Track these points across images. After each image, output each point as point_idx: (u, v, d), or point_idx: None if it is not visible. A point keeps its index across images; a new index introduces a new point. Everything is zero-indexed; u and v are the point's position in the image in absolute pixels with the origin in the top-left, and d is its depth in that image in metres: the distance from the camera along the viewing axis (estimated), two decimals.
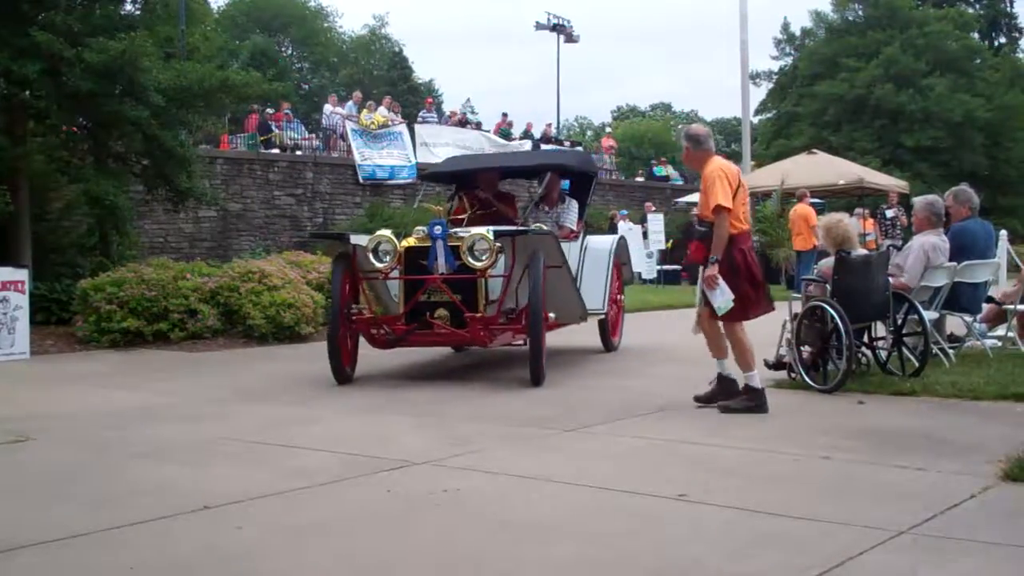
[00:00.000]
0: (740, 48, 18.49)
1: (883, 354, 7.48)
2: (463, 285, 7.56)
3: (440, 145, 23.91)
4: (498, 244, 7.54)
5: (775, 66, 48.65)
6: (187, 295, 10.77)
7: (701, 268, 6.38)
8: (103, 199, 11.50)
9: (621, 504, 4.18)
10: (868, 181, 22.65)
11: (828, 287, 7.05)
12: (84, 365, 9.35)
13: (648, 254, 22.87)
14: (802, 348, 7.15)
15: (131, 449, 5.40)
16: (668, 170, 34.24)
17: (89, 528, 3.86)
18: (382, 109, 24.74)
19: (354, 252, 7.78)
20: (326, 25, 56.76)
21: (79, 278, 11.24)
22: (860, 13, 44.47)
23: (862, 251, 7.70)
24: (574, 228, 9.52)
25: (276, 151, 22.51)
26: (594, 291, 9.21)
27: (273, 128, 22.90)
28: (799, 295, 7.54)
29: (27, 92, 11.10)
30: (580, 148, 31.36)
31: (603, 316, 9.47)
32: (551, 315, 8.00)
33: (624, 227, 21.46)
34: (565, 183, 10.00)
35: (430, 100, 35.71)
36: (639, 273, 22.17)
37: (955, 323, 8.68)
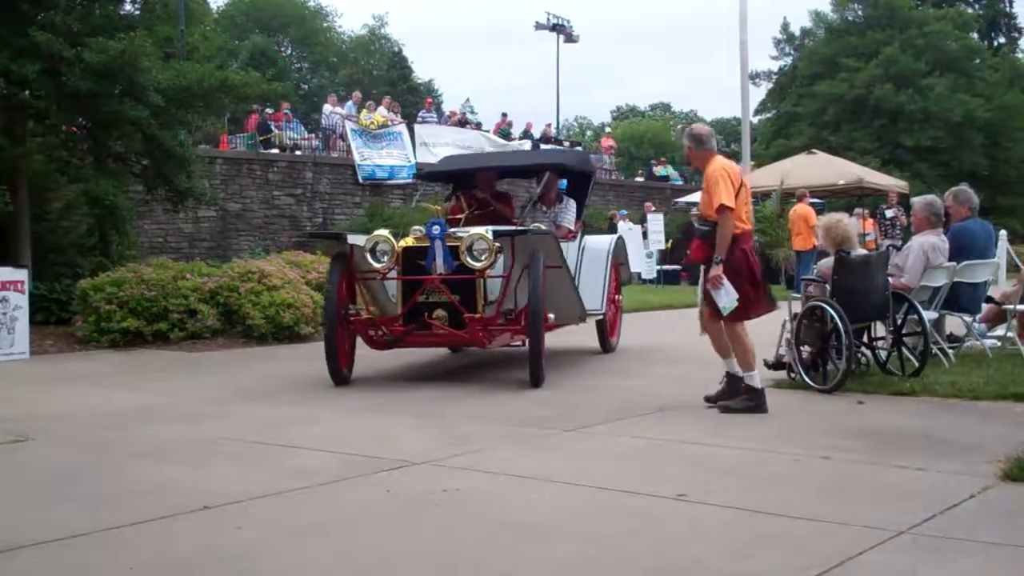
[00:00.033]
0: (740, 48, 18.50)
1: (883, 354, 7.49)
2: (462, 285, 7.52)
3: (440, 145, 23.90)
4: (497, 244, 7.49)
5: (775, 66, 48.74)
6: (187, 295, 10.77)
7: (703, 267, 6.39)
8: (103, 199, 11.49)
9: (621, 504, 4.18)
10: (868, 181, 22.67)
11: (828, 287, 7.05)
12: (84, 365, 9.35)
13: (648, 254, 22.87)
14: (802, 348, 7.15)
15: (131, 449, 5.40)
16: (668, 170, 34.27)
17: (89, 528, 3.86)
18: (381, 109, 24.73)
19: (351, 252, 7.73)
20: (325, 25, 56.77)
21: (79, 278, 11.24)
22: (860, 13, 44.47)
23: (862, 251, 7.70)
24: (572, 228, 9.46)
25: (275, 151, 22.50)
26: (592, 291, 9.17)
27: (272, 128, 22.90)
28: (799, 295, 7.54)
29: (27, 92, 11.09)
30: (580, 148, 31.34)
31: (601, 317, 9.43)
32: (550, 316, 7.93)
33: (624, 227, 21.47)
34: (563, 183, 9.96)
35: (430, 100, 35.70)
36: (638, 273, 22.18)
37: (955, 323, 8.68)
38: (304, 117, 30.67)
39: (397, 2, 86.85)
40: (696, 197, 25.16)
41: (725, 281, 6.08)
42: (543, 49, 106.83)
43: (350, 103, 24.96)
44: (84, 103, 11.24)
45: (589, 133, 62.68)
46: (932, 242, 8.06)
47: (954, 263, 8.11)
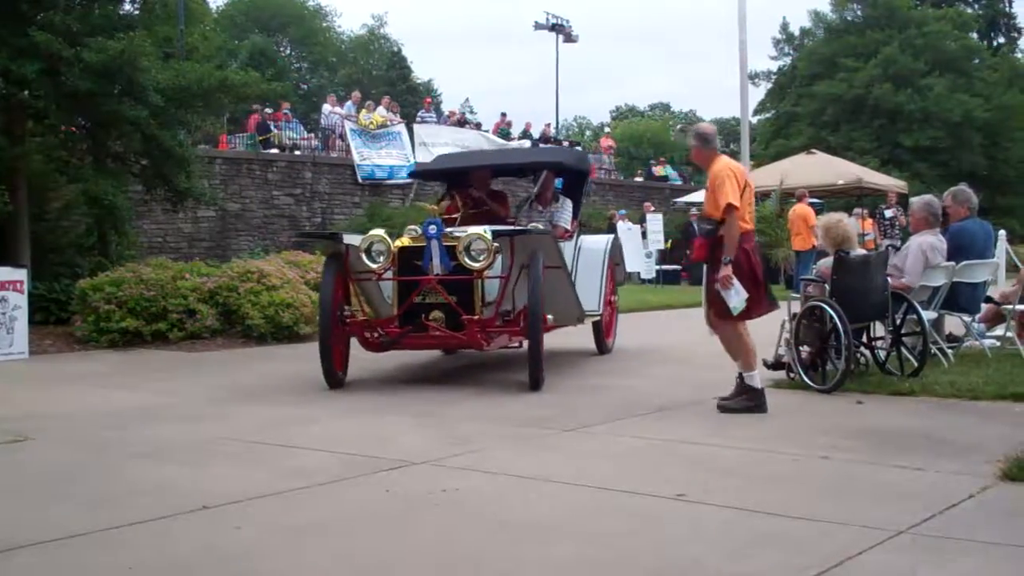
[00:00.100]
0: (739, 48, 18.44)
1: (882, 354, 7.49)
2: (459, 286, 7.36)
3: (439, 145, 23.87)
4: (496, 244, 7.34)
5: (774, 66, 48.72)
6: (186, 295, 10.76)
7: (705, 266, 6.42)
8: (102, 199, 11.49)
9: (620, 504, 4.18)
10: (867, 181, 22.70)
11: (827, 287, 7.05)
12: (83, 365, 9.35)
13: (647, 254, 22.88)
14: (801, 348, 7.15)
15: (130, 449, 5.40)
16: (667, 170, 34.29)
17: (88, 528, 3.85)
18: (381, 109, 24.73)
19: (347, 252, 7.62)
20: (325, 25, 56.79)
21: (78, 278, 11.23)
22: (859, 13, 44.47)
23: (861, 251, 7.70)
24: (568, 228, 9.34)
25: (275, 151, 22.51)
26: (589, 292, 9.05)
27: (272, 128, 22.90)
28: (798, 295, 7.54)
29: (26, 92, 11.08)
30: (579, 148, 31.35)
31: (598, 318, 9.32)
32: (549, 317, 7.78)
33: (623, 227, 21.47)
34: (558, 182, 9.82)
35: (429, 100, 35.72)
36: (638, 273, 22.19)
37: (954, 323, 8.68)
38: (303, 117, 30.68)
39: (396, 2, 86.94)
40: (695, 197, 25.23)
41: (735, 281, 6.10)
42: (542, 49, 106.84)
43: (349, 103, 24.97)
44: (83, 103, 11.23)
45: (588, 133, 62.69)
46: (930, 242, 8.06)
47: (953, 263, 8.11)
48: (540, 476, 4.64)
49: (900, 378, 7.13)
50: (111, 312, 10.37)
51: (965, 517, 3.92)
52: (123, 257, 12.62)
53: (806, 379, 6.99)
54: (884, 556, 3.44)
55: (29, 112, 11.67)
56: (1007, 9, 51.58)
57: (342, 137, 23.60)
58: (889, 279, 7.55)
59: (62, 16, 11.01)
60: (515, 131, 29.69)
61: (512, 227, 8.19)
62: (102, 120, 11.65)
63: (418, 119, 26.89)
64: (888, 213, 21.70)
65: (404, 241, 7.67)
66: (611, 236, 10.45)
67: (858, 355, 7.26)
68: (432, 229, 7.35)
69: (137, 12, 12.58)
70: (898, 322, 7.36)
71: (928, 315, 7.70)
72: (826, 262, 7.43)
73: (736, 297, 6.11)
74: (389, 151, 23.66)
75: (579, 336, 9.76)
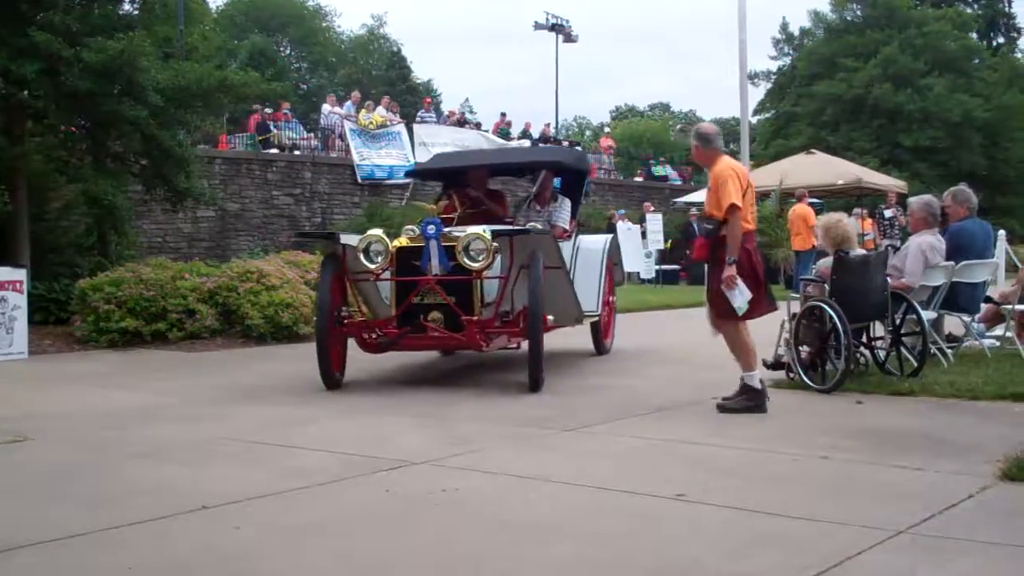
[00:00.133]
0: (739, 48, 18.43)
1: (881, 354, 7.49)
2: (458, 287, 7.29)
3: (438, 145, 23.86)
4: (495, 244, 7.27)
5: (774, 66, 48.70)
6: (185, 295, 10.76)
7: (707, 266, 6.44)
8: (101, 199, 11.49)
9: (620, 504, 4.18)
10: (866, 181, 22.71)
11: (827, 287, 7.05)
12: (82, 365, 9.34)
13: (647, 254, 22.89)
14: (801, 348, 7.15)
15: (129, 449, 5.40)
16: (667, 170, 34.28)
17: (87, 528, 3.85)
18: (380, 109, 24.73)
19: (344, 252, 7.54)
20: (324, 25, 56.80)
21: (77, 278, 11.23)
22: (858, 13, 44.46)
23: (860, 251, 7.70)
24: (567, 228, 9.22)
25: (274, 151, 22.51)
26: (587, 292, 8.94)
27: (272, 128, 22.90)
28: (797, 295, 7.54)
29: (25, 92, 11.08)
30: (578, 147, 31.35)
31: (596, 318, 9.25)
32: (549, 317, 7.71)
33: (623, 227, 21.48)
34: (556, 181, 9.72)
35: (428, 100, 35.71)
36: (637, 273, 22.19)
37: (953, 323, 8.68)
38: (303, 117, 30.67)
39: (396, 2, 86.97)
40: (694, 197, 25.23)
41: (739, 281, 6.11)
42: (542, 49, 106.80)
43: (349, 103, 24.97)
44: (83, 103, 11.23)
45: (588, 133, 62.69)
46: (929, 242, 8.06)
47: (952, 263, 8.11)
48: (540, 476, 4.64)
49: (900, 378, 7.13)
50: (111, 312, 10.37)
51: (965, 517, 3.92)
52: (123, 257, 12.62)
53: (806, 379, 6.99)
54: (884, 556, 3.44)
55: (29, 112, 11.67)
56: (1007, 9, 51.58)
57: (342, 137, 23.60)
58: (889, 279, 7.55)
59: (62, 16, 11.01)
60: (515, 131, 29.68)
61: (511, 227, 8.13)
62: (102, 120, 11.65)
63: (418, 119, 26.89)
64: (888, 213, 21.71)
65: (402, 241, 7.60)
66: (609, 236, 10.32)
67: (858, 355, 7.26)
68: (431, 229, 7.28)
69: (137, 12, 12.58)
70: (898, 322, 7.36)
71: (928, 315, 7.70)
72: (826, 262, 7.43)
73: (740, 297, 6.12)
74: (389, 151, 23.66)
75: (578, 336, 9.74)
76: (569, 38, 40.91)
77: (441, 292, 7.27)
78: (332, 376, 7.40)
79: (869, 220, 22.05)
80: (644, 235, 23.29)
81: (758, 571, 3.33)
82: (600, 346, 9.63)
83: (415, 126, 25.33)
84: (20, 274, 10.10)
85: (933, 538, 3.63)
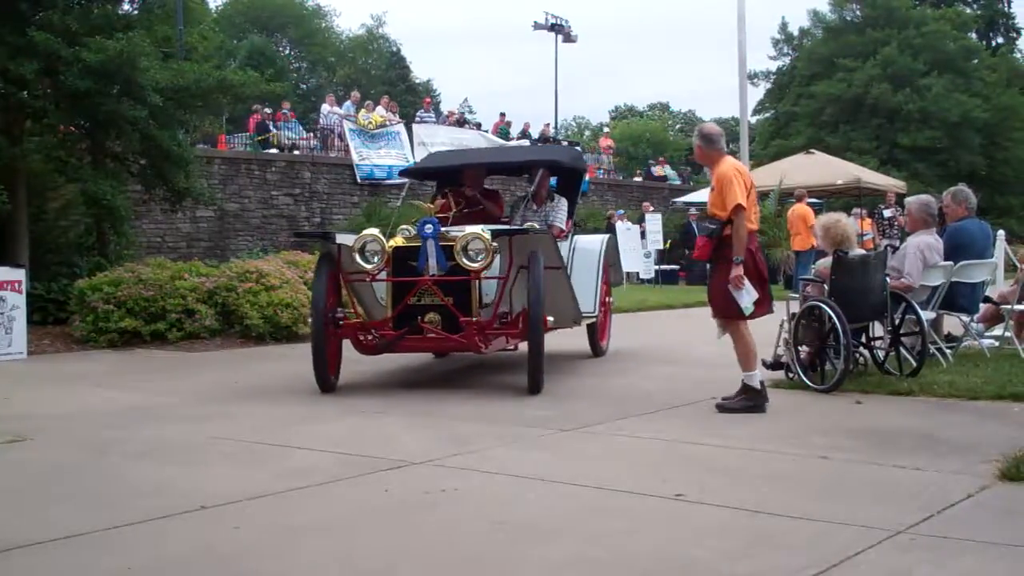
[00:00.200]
0: (738, 48, 18.47)
1: (881, 354, 7.49)
2: (456, 287, 7.20)
3: (438, 145, 23.84)
4: (494, 244, 7.17)
5: (773, 66, 48.72)
6: (185, 295, 10.75)
7: (708, 266, 6.46)
8: (101, 199, 11.48)
9: (619, 504, 4.18)
10: (865, 181, 22.70)
11: (826, 287, 7.05)
12: (81, 365, 9.34)
13: (646, 254, 22.88)
14: (800, 348, 7.16)
15: (129, 449, 5.39)
16: (666, 170, 34.28)
17: (87, 528, 3.85)
18: (380, 109, 24.72)
19: (339, 253, 7.43)
20: (324, 25, 56.79)
21: (76, 278, 11.23)
22: (858, 13, 44.46)
23: (860, 251, 7.71)
24: (563, 227, 9.10)
25: (274, 151, 22.50)
26: (585, 293, 8.80)
27: (271, 128, 22.89)
28: (797, 295, 7.54)
29: (25, 91, 11.09)
30: (576, 147, 31.36)
31: (594, 319, 9.15)
32: (549, 318, 7.51)
33: (622, 227, 21.48)
34: (552, 180, 9.61)
35: (428, 100, 35.70)
36: (637, 273, 22.19)
37: (952, 323, 8.69)
38: (302, 117, 30.67)
39: (395, 2, 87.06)
40: (694, 197, 25.23)
41: (746, 281, 6.12)
42: (541, 49, 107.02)
43: (348, 103, 24.96)
44: (82, 103, 11.23)
45: (587, 133, 62.67)
46: (928, 242, 8.06)
47: (951, 263, 8.11)
48: (539, 476, 4.64)
49: (899, 378, 7.13)
50: (110, 312, 10.37)
51: (964, 517, 3.92)
52: (122, 257, 12.62)
53: (805, 379, 7.00)
54: (883, 556, 3.45)
55: (28, 112, 11.67)
56: (1006, 9, 51.60)
57: (341, 137, 23.59)
58: (888, 279, 7.55)
59: (61, 16, 11.02)
60: (514, 131, 29.68)
61: (510, 226, 8.06)
62: (101, 120, 11.64)
63: (417, 119, 26.88)
64: (887, 213, 21.73)
65: (398, 241, 7.47)
66: (606, 236, 10.15)
67: (857, 355, 7.26)
68: (428, 228, 7.19)
69: (136, 12, 12.59)
70: (897, 322, 7.36)
71: (927, 315, 7.70)
72: (825, 262, 7.43)
73: (747, 297, 6.14)
74: (388, 151, 23.65)
75: (571, 337, 9.69)
76: (568, 38, 40.86)
77: (439, 293, 7.18)
78: (328, 379, 7.28)
79: (868, 220, 22.06)
80: (643, 235, 23.28)
81: (757, 571, 3.33)
82: (596, 348, 9.52)
83: (414, 126, 25.31)
84: (19, 274, 10.10)
85: (932, 538, 3.63)
